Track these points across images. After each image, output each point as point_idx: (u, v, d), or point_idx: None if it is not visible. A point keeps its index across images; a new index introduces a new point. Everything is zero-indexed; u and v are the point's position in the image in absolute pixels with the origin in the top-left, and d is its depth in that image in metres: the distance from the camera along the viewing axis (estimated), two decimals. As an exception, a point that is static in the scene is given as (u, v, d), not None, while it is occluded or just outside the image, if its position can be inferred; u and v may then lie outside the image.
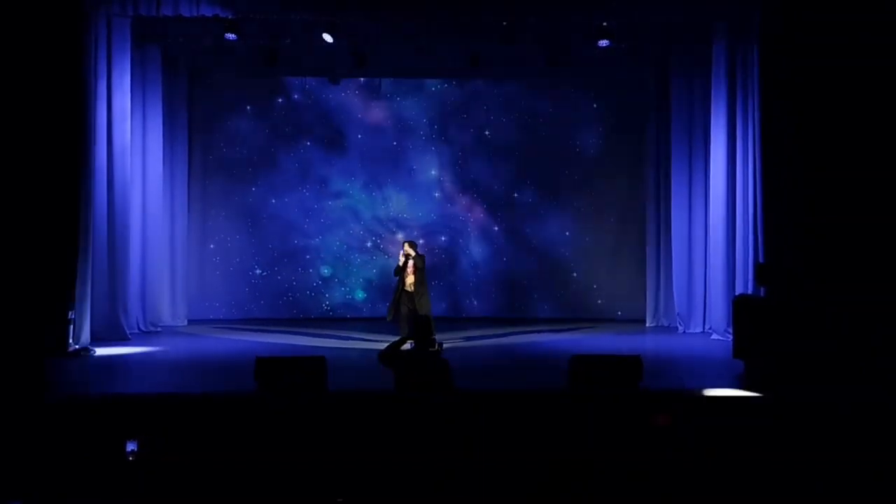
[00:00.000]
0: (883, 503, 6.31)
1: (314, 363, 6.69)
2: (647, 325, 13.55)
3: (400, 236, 13.89)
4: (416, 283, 11.00)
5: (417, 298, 10.96)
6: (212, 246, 14.27)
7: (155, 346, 11.18)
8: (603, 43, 11.57)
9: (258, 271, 14.33)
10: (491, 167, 14.50)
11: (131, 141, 11.72)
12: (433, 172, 14.50)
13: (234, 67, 13.62)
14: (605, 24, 11.32)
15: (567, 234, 14.47)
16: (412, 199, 14.48)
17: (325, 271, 14.33)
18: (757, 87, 11.04)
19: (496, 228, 14.56)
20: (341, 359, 9.57)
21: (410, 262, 11.04)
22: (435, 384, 5.85)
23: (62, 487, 6.53)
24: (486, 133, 14.47)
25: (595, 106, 14.42)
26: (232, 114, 14.26)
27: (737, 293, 10.98)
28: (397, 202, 14.47)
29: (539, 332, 12.66)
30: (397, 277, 11.21)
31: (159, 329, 12.71)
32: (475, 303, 14.54)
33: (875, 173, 10.17)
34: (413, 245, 11.24)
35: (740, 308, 9.37)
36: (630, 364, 6.82)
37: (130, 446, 6.10)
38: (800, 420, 7.02)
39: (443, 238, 14.47)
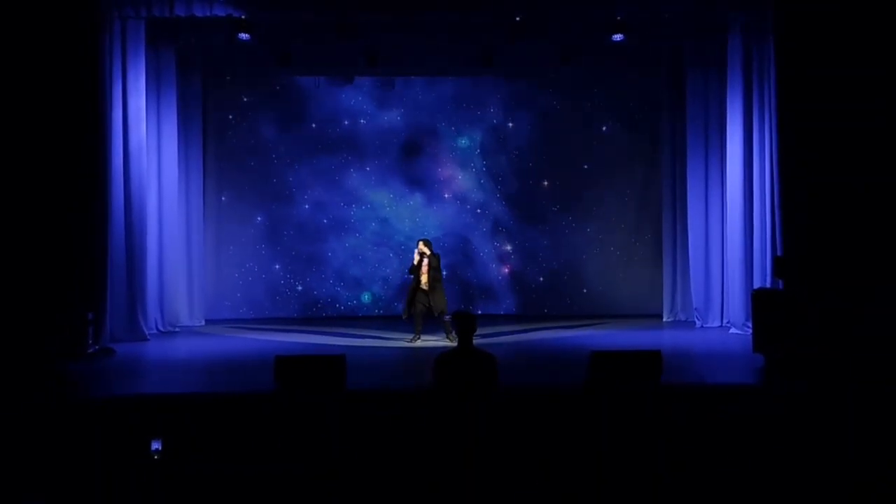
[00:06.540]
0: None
1: (334, 362, 6.69)
2: (665, 320, 13.49)
3: (414, 235, 13.89)
4: (430, 281, 11.03)
5: (432, 296, 10.99)
6: (228, 246, 14.30)
7: (174, 346, 11.22)
8: (617, 37, 11.50)
9: (274, 271, 14.35)
10: (505, 164, 14.47)
11: (146, 142, 11.76)
12: (447, 170, 14.48)
13: (248, 67, 13.71)
14: (618, 18, 11.27)
15: (583, 229, 14.43)
16: (426, 198, 14.46)
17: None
18: (773, 80, 10.95)
19: (511, 225, 14.52)
20: (360, 357, 9.56)
21: (425, 261, 11.08)
22: (480, 380, 5.81)
23: (83, 487, 6.58)
24: (500, 131, 14.45)
25: (609, 101, 14.35)
26: (246, 113, 14.27)
27: (755, 287, 10.92)
28: (411, 201, 14.46)
29: (556, 328, 12.62)
30: (412, 276, 11.25)
31: (177, 329, 12.75)
32: (491, 301, 14.52)
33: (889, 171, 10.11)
34: (428, 243, 11.28)
35: (760, 302, 9.30)
36: (650, 359, 6.80)
37: (154, 445, 6.12)
38: (820, 414, 6.98)
39: (458, 236, 14.44)
